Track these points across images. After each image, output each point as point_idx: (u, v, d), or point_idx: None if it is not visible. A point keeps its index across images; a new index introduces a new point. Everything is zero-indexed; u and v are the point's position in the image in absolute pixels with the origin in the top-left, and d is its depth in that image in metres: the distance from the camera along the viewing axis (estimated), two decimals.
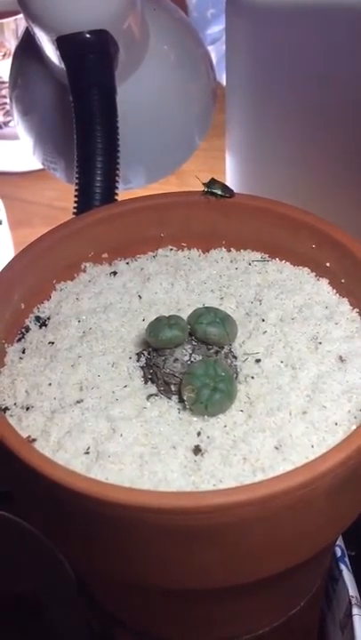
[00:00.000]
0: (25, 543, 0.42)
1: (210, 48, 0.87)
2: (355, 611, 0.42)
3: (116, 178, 0.46)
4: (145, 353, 0.36)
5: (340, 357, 0.35)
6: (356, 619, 0.42)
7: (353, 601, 0.43)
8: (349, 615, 0.42)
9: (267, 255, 0.41)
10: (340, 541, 0.46)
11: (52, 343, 0.37)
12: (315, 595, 0.41)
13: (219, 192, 0.41)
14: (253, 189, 0.50)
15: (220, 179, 0.42)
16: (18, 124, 0.60)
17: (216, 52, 0.87)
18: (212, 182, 0.41)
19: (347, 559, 0.45)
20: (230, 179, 0.64)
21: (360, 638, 0.41)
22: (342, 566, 0.44)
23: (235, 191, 0.41)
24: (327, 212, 0.40)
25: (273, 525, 0.29)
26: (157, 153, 0.59)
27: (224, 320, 0.35)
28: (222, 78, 0.69)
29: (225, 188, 0.41)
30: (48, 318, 0.39)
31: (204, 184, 0.41)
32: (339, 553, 0.45)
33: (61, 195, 0.77)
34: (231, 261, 0.41)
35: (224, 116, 0.64)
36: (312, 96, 0.56)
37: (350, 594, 0.43)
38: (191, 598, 0.34)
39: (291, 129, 0.59)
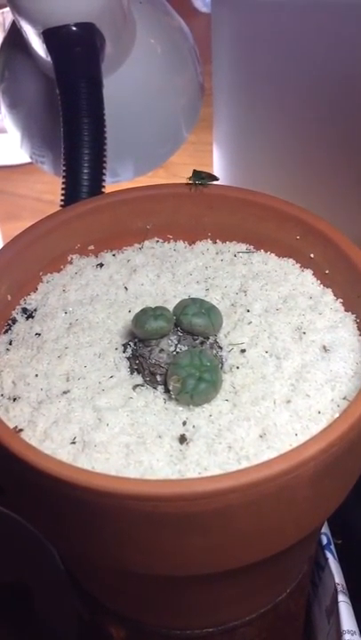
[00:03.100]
0: (13, 533, 0.42)
1: None
2: (340, 598, 0.43)
3: (104, 170, 0.46)
4: (131, 344, 0.36)
5: (324, 347, 0.35)
6: (341, 605, 0.43)
7: (339, 588, 0.43)
8: (335, 602, 0.43)
9: (252, 247, 0.42)
10: (326, 529, 0.46)
11: (39, 335, 0.37)
12: (301, 581, 0.41)
13: (205, 182, 0.41)
14: (240, 182, 0.50)
15: (208, 171, 0.43)
16: (5, 118, 0.60)
17: None
18: (197, 173, 0.41)
19: (333, 547, 0.46)
20: (217, 171, 0.65)
21: (346, 625, 0.42)
22: (328, 554, 0.45)
23: (222, 184, 0.42)
24: (313, 204, 0.40)
25: (257, 512, 0.29)
26: (145, 146, 0.60)
27: (209, 311, 0.35)
28: None
29: (208, 176, 0.41)
30: (35, 310, 0.39)
31: (188, 179, 0.41)
32: (325, 541, 0.45)
33: (50, 188, 0.77)
34: (217, 253, 0.42)
35: (211, 109, 0.65)
36: (298, 89, 0.56)
37: (336, 581, 0.44)
38: (178, 585, 0.35)
39: (277, 122, 0.59)
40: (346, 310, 0.37)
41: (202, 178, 0.41)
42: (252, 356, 0.35)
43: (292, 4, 0.52)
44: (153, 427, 0.32)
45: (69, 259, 0.41)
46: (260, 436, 0.32)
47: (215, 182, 0.42)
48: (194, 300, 0.36)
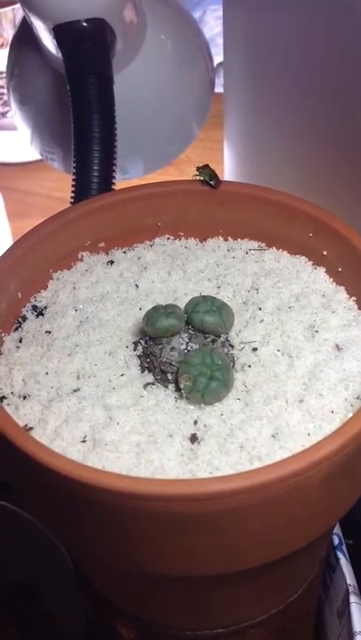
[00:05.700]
0: (23, 532, 0.42)
1: None
2: (352, 599, 0.43)
3: (114, 167, 0.46)
4: (142, 342, 0.36)
5: (337, 346, 0.35)
6: (353, 606, 0.42)
7: (350, 589, 0.43)
8: (347, 603, 0.43)
9: (264, 244, 0.41)
10: (337, 530, 0.46)
11: (49, 332, 0.37)
12: (312, 583, 0.41)
13: (206, 179, 0.41)
14: (251, 178, 0.50)
15: (218, 169, 0.42)
16: (15, 114, 0.60)
17: None
18: (204, 168, 0.41)
19: (344, 547, 0.45)
20: (228, 168, 0.65)
21: (357, 626, 0.41)
22: (340, 555, 0.45)
23: (233, 180, 0.41)
24: (325, 201, 0.40)
25: (268, 513, 0.29)
26: (155, 143, 0.59)
27: (221, 309, 0.35)
28: None
29: (213, 177, 0.41)
30: (45, 307, 0.39)
31: (197, 167, 0.41)
32: (336, 541, 0.45)
33: (60, 185, 0.77)
34: (228, 250, 0.41)
35: (222, 105, 0.64)
36: (309, 86, 0.56)
37: (348, 582, 0.43)
38: (188, 585, 0.34)
39: (288, 118, 0.59)
40: (359, 308, 0.37)
41: (205, 174, 0.41)
42: (263, 354, 0.35)
43: (304, 3, 0.52)
44: (164, 426, 0.32)
45: (80, 256, 0.41)
46: (273, 436, 0.31)
47: (215, 186, 0.41)
48: (205, 298, 0.35)
